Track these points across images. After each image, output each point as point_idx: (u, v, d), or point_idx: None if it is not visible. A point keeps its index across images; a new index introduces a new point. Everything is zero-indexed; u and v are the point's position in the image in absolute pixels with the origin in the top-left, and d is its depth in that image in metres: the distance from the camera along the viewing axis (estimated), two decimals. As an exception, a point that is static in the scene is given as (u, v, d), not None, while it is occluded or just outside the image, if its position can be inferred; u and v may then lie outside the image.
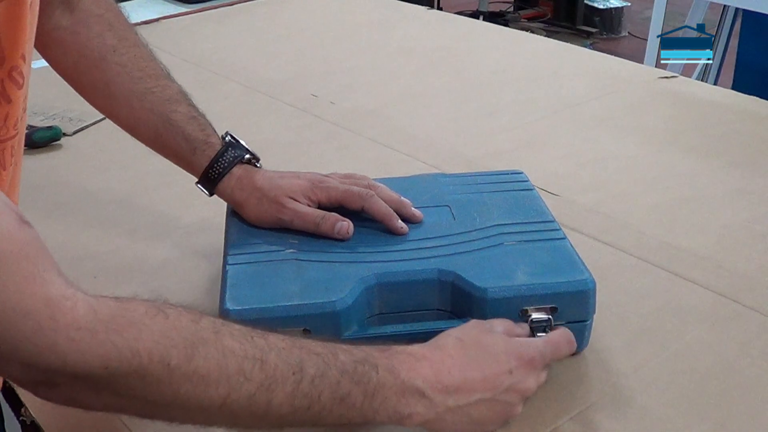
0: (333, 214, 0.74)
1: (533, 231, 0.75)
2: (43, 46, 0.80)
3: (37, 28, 0.79)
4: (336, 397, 0.54)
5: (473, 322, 0.65)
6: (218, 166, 0.78)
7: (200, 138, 0.79)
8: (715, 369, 0.70)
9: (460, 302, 0.69)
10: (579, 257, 0.71)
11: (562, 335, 0.65)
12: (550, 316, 0.67)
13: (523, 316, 0.68)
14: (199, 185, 0.80)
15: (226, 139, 0.80)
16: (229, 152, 0.78)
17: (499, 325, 0.64)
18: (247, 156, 0.79)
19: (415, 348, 0.59)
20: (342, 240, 0.73)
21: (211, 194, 0.80)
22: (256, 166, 0.80)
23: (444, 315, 0.70)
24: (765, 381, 0.68)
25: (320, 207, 0.76)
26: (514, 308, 0.67)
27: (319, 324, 0.66)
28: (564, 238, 0.74)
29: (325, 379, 0.53)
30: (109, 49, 0.79)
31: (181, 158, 0.80)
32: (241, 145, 0.80)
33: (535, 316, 0.67)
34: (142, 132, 0.81)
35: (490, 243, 0.73)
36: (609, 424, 0.64)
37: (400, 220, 0.74)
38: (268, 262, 0.72)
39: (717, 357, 0.71)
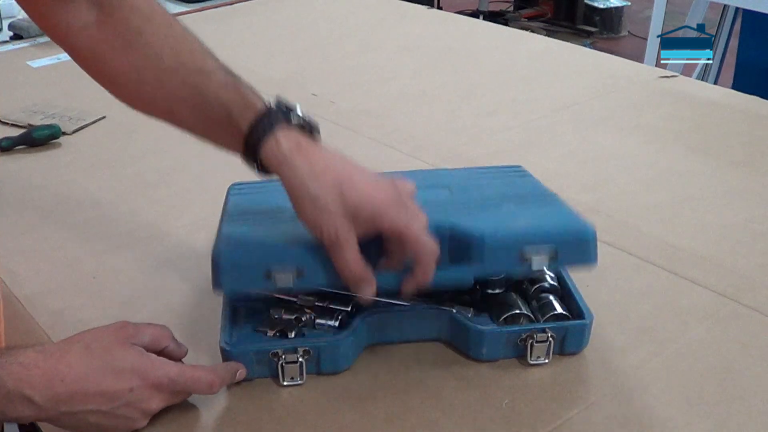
0: (370, 274, 0.65)
1: (533, 199, 0.74)
2: (73, 49, 0.76)
3: (66, 30, 0.74)
4: None
5: (120, 324, 0.64)
6: (259, 128, 0.65)
7: (236, 100, 0.67)
8: (715, 369, 0.70)
9: (458, 251, 0.66)
10: (581, 216, 0.70)
11: (205, 373, 0.64)
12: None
13: (523, 262, 0.65)
14: (243, 158, 0.68)
15: (271, 103, 0.68)
16: (274, 114, 0.66)
17: (147, 334, 0.64)
18: (296, 120, 0.66)
19: (30, 355, 0.59)
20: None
21: (257, 168, 0.67)
22: (312, 134, 0.68)
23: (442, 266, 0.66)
24: (765, 381, 0.68)
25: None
26: (513, 251, 0.65)
27: (313, 264, 0.65)
28: (564, 202, 0.73)
29: None
30: (134, 34, 0.73)
31: (220, 131, 0.69)
32: (289, 109, 0.67)
33: (536, 261, 0.65)
34: (178, 111, 0.71)
35: (489, 205, 0.72)
36: (609, 424, 0.64)
37: (413, 286, 0.65)
38: (267, 194, 0.71)
39: (717, 357, 0.71)
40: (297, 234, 0.65)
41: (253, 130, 0.65)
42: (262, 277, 0.65)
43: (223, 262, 0.65)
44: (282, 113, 0.66)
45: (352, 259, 0.63)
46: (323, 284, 0.65)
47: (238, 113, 0.66)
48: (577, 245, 0.67)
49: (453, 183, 0.79)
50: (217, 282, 0.66)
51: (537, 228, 0.66)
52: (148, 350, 0.63)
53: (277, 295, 0.73)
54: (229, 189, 0.80)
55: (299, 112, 0.68)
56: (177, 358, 0.66)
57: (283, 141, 0.64)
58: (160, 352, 0.65)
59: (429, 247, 0.64)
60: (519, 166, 0.86)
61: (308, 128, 0.68)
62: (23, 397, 0.57)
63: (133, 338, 0.63)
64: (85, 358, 0.60)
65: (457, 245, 0.66)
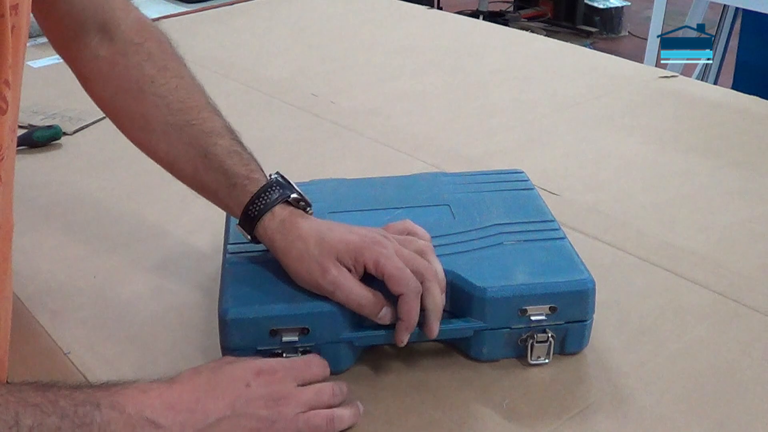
0: (380, 296, 0.66)
1: (533, 230, 0.75)
2: (82, 78, 0.78)
3: (76, 58, 0.77)
4: None
5: (224, 358, 0.65)
6: (259, 202, 0.69)
7: (241, 173, 0.71)
8: (715, 369, 0.70)
9: (460, 302, 0.69)
10: (578, 257, 0.71)
11: (311, 358, 0.66)
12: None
13: (522, 316, 0.68)
14: (239, 227, 0.71)
15: (273, 177, 0.72)
16: (275, 189, 0.70)
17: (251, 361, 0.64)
18: (294, 196, 0.70)
19: (144, 382, 0.58)
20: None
21: (251, 237, 0.71)
22: (306, 211, 0.71)
23: (444, 315, 0.70)
24: (765, 381, 0.68)
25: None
26: (513, 307, 0.67)
27: (318, 323, 0.66)
28: (564, 237, 0.74)
29: (43, 427, 0.52)
30: (147, 80, 0.75)
31: (219, 195, 0.73)
32: (291, 185, 0.71)
33: (534, 316, 0.68)
34: (180, 168, 0.75)
35: (489, 242, 0.73)
36: (609, 424, 0.64)
37: (406, 334, 0.66)
38: (267, 261, 0.72)
39: (717, 357, 0.71)
40: (301, 292, 0.68)
41: (254, 203, 0.70)
42: (267, 335, 0.66)
43: (230, 321, 0.66)
44: (280, 190, 0.70)
45: (352, 288, 0.65)
46: (328, 340, 0.67)
47: (240, 185, 0.71)
48: (576, 301, 0.69)
49: (453, 198, 0.80)
50: (224, 339, 0.67)
51: (537, 285, 0.68)
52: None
53: None
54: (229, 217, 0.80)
55: (296, 189, 0.71)
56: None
57: (278, 215, 0.69)
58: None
59: (406, 283, 0.64)
60: (520, 172, 0.86)
61: (303, 204, 0.71)
62: (146, 422, 0.55)
63: (236, 360, 0.63)
64: (196, 376, 0.60)
65: (459, 294, 0.69)
